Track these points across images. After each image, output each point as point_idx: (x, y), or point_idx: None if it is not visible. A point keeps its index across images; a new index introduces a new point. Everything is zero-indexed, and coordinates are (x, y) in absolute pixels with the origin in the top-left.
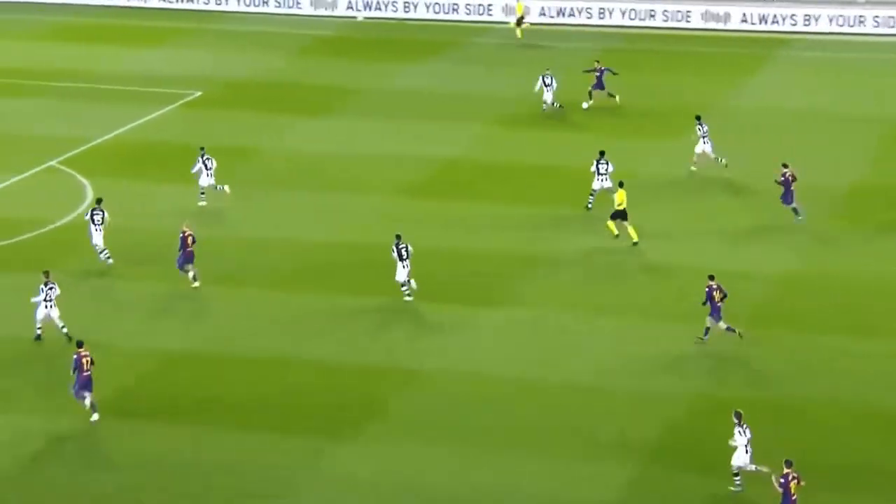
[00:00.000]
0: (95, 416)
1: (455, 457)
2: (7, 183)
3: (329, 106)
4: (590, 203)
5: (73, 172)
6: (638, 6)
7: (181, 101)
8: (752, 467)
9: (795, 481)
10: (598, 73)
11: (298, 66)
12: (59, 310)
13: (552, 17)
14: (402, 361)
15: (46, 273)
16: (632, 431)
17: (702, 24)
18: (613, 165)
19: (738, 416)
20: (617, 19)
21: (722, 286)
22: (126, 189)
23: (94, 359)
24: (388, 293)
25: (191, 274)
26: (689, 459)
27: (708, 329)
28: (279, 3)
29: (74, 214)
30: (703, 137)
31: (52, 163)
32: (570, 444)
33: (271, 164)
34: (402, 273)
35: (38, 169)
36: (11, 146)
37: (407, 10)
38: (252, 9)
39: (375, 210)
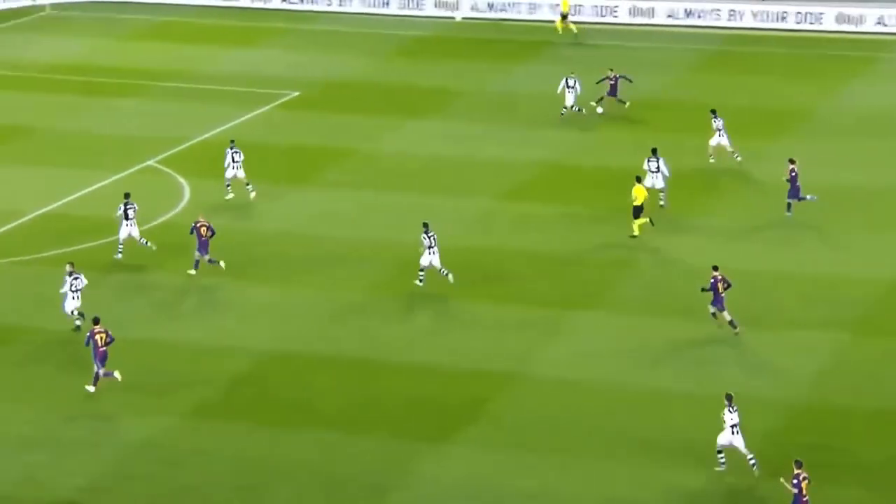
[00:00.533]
0: (92, 389)
1: (550, 464)
2: (107, 182)
3: (427, 107)
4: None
5: (171, 172)
6: (769, 8)
7: (278, 102)
8: (746, 452)
9: (806, 482)
10: (612, 81)
11: (396, 67)
12: (82, 300)
13: (679, 18)
14: (500, 364)
15: (71, 264)
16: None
17: (832, 27)
18: (665, 162)
19: (729, 398)
20: (748, 21)
21: (727, 277)
22: (222, 189)
23: (111, 336)
24: (488, 296)
25: (205, 258)
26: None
27: (714, 314)
28: (402, 3)
29: (172, 213)
30: (719, 131)
31: (151, 162)
32: (671, 452)
33: (368, 166)
34: (425, 259)
35: (136, 168)
36: (111, 145)
37: (509, 10)
38: (351, 9)
39: (474, 213)
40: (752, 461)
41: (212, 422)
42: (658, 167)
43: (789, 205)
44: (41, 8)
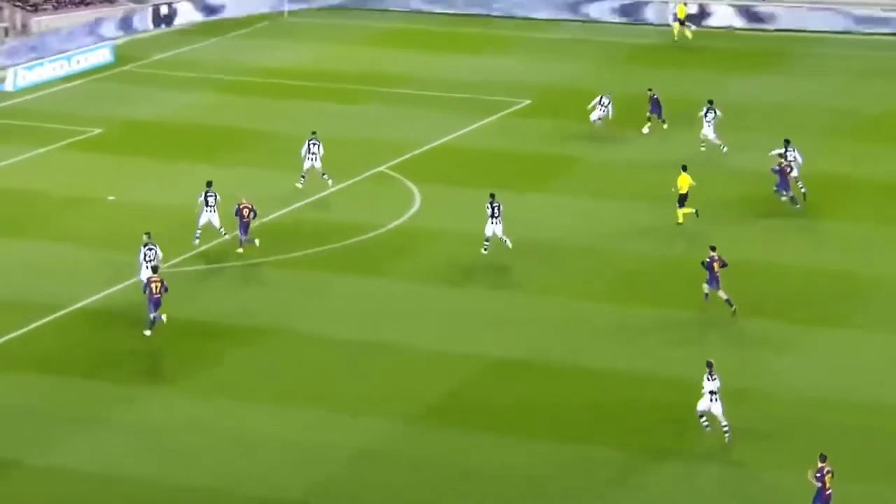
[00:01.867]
0: (148, 332)
1: (760, 482)
2: (340, 186)
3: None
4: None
5: (402, 178)
6: None
7: (510, 110)
8: (724, 422)
9: (830, 475)
10: (650, 100)
11: (626, 75)
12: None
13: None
14: (732, 380)
15: (148, 234)
16: None
17: None
18: (802, 156)
19: (709, 365)
20: None
21: (723, 258)
22: (453, 196)
23: (166, 286)
24: (696, 306)
25: (243, 239)
26: None
27: (707, 294)
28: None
29: (403, 219)
30: (709, 122)
31: (382, 168)
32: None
33: (595, 175)
34: (489, 229)
35: (369, 173)
36: (345, 151)
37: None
38: (589, 17)
39: (720, 220)
40: (726, 429)
41: (435, 427)
42: (796, 159)
43: (792, 198)
44: (279, 14)
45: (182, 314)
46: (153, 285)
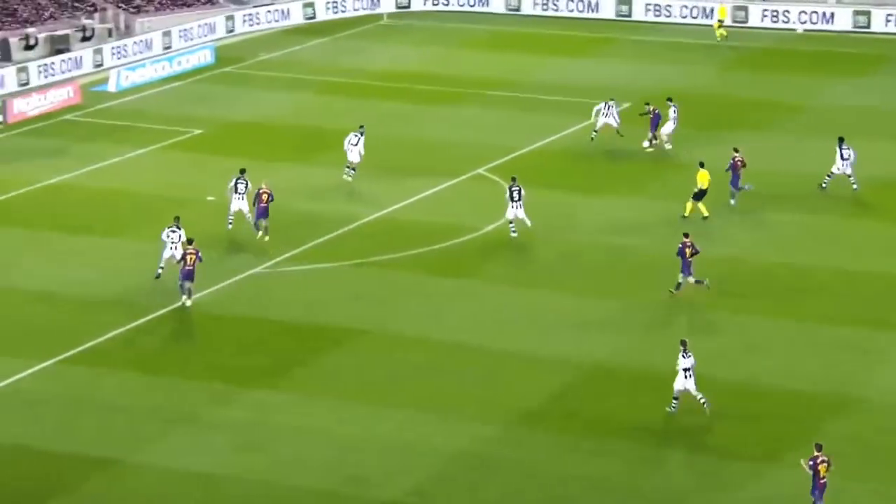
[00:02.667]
0: (189, 302)
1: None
2: (439, 188)
3: (765, 121)
4: (824, 182)
5: (500, 180)
6: None
7: None
8: (699, 395)
9: (825, 464)
10: (651, 115)
11: (730, 79)
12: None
13: None
14: (825, 386)
15: (177, 218)
16: None
17: None
18: (855, 152)
19: (684, 343)
20: None
21: (695, 244)
22: (550, 199)
23: (200, 257)
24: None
25: (262, 231)
26: None
27: (679, 284)
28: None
29: (500, 222)
30: (674, 119)
31: (480, 170)
32: None
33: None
34: (510, 212)
35: (466, 176)
36: (444, 152)
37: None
38: (691, 20)
39: (819, 227)
40: (703, 401)
41: (531, 433)
42: (850, 155)
43: (733, 193)
44: (379, 17)
45: (281, 314)
46: (188, 257)
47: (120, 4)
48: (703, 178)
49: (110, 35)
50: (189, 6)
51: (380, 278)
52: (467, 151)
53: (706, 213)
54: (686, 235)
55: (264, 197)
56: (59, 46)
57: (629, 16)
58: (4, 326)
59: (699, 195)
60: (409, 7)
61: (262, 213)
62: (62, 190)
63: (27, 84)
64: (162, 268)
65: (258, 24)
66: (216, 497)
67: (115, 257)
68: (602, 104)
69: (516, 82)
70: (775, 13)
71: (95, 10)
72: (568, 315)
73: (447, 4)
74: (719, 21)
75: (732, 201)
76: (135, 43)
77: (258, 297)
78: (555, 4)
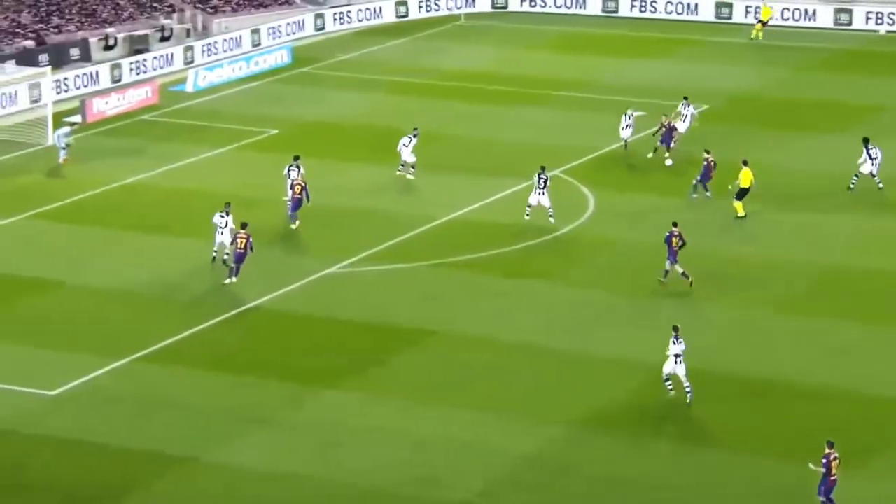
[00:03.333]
0: (226, 281)
1: None
2: (512, 190)
3: (842, 123)
4: (852, 183)
5: (576, 182)
6: None
7: None
8: (686, 383)
9: (836, 461)
10: (665, 129)
11: (810, 80)
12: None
13: None
14: None
15: (228, 204)
16: None
17: None
18: (882, 152)
19: (676, 329)
20: None
21: (682, 234)
22: (627, 202)
23: (252, 244)
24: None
25: (291, 217)
26: None
27: (667, 272)
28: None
29: (577, 224)
30: (685, 118)
31: (557, 172)
32: None
33: (767, 182)
34: (533, 198)
35: (528, 182)
36: (521, 154)
37: None
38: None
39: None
40: (688, 390)
41: (600, 435)
42: (877, 154)
43: (695, 186)
44: (456, 17)
45: (355, 315)
46: (239, 240)
47: (198, 5)
48: (745, 177)
49: (188, 35)
50: (266, 7)
51: (454, 279)
52: (542, 152)
53: (742, 213)
54: (675, 224)
55: (297, 189)
56: (137, 47)
57: (730, 18)
58: (81, 324)
59: (742, 194)
60: (506, 7)
61: (297, 204)
62: (138, 189)
63: (120, 81)
64: (216, 251)
65: (349, 22)
66: (288, 497)
67: (190, 257)
68: (626, 113)
69: (590, 83)
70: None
71: (174, 11)
72: (640, 316)
73: (544, 6)
74: (761, 21)
75: (694, 195)
76: (212, 43)
77: (332, 298)
78: (653, 7)
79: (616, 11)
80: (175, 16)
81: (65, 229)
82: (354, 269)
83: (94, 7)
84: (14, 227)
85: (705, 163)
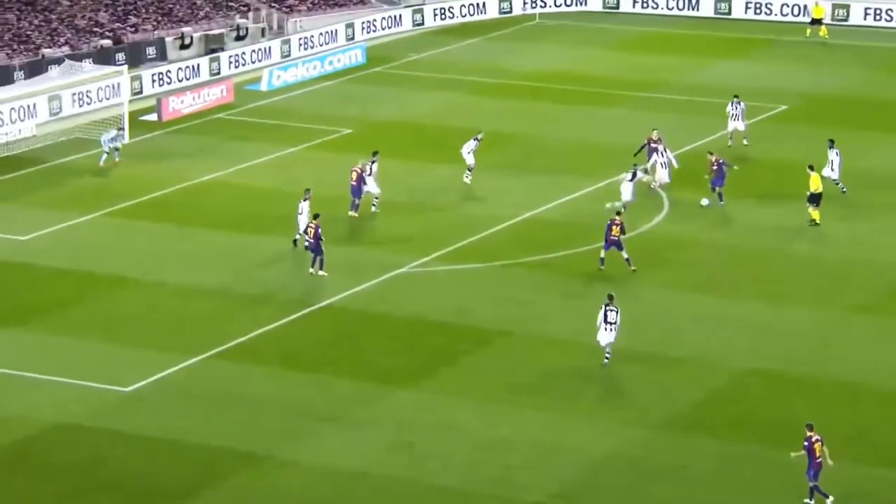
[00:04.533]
0: (312, 271)
1: None
2: (586, 190)
3: None
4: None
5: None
6: None
7: (765, 115)
8: (606, 348)
9: (819, 443)
10: (716, 166)
11: (887, 81)
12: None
13: None
14: None
15: (308, 190)
16: None
17: None
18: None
19: (611, 297)
20: None
21: (624, 225)
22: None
23: (321, 234)
24: None
25: (355, 209)
26: None
27: (602, 259)
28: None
29: (653, 224)
30: (734, 116)
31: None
32: None
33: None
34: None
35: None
36: (595, 154)
37: None
38: (849, 21)
39: None
40: (608, 356)
41: (681, 437)
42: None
43: (719, 194)
44: (531, 17)
45: (429, 314)
46: (310, 230)
47: (273, 4)
48: (815, 182)
49: (263, 35)
50: (341, 6)
51: (528, 279)
52: (617, 153)
53: (818, 220)
54: (618, 213)
55: (353, 175)
56: (213, 46)
57: (785, 18)
58: (156, 321)
59: (814, 199)
60: (617, 7)
61: (356, 192)
62: (213, 187)
63: (196, 80)
64: (300, 234)
65: (451, 18)
66: (361, 495)
67: (264, 254)
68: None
69: (669, 83)
70: None
71: (249, 10)
72: (721, 318)
73: (656, 7)
74: (815, 20)
75: (706, 201)
76: (287, 42)
77: (407, 296)
78: (768, 8)
79: (728, 14)
80: (250, 15)
81: (141, 227)
82: (427, 268)
83: (171, 6)
84: (91, 224)
85: (715, 165)
